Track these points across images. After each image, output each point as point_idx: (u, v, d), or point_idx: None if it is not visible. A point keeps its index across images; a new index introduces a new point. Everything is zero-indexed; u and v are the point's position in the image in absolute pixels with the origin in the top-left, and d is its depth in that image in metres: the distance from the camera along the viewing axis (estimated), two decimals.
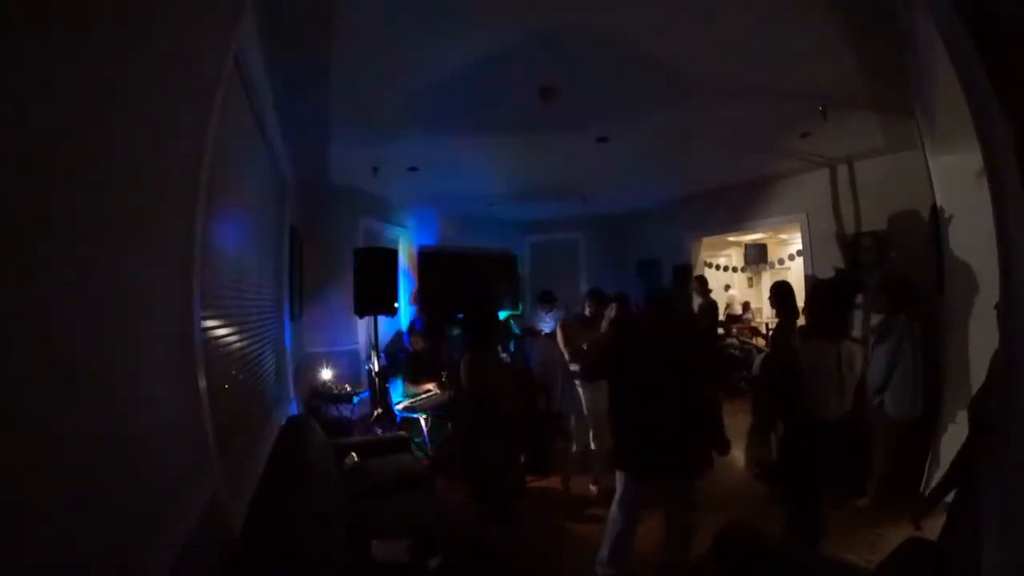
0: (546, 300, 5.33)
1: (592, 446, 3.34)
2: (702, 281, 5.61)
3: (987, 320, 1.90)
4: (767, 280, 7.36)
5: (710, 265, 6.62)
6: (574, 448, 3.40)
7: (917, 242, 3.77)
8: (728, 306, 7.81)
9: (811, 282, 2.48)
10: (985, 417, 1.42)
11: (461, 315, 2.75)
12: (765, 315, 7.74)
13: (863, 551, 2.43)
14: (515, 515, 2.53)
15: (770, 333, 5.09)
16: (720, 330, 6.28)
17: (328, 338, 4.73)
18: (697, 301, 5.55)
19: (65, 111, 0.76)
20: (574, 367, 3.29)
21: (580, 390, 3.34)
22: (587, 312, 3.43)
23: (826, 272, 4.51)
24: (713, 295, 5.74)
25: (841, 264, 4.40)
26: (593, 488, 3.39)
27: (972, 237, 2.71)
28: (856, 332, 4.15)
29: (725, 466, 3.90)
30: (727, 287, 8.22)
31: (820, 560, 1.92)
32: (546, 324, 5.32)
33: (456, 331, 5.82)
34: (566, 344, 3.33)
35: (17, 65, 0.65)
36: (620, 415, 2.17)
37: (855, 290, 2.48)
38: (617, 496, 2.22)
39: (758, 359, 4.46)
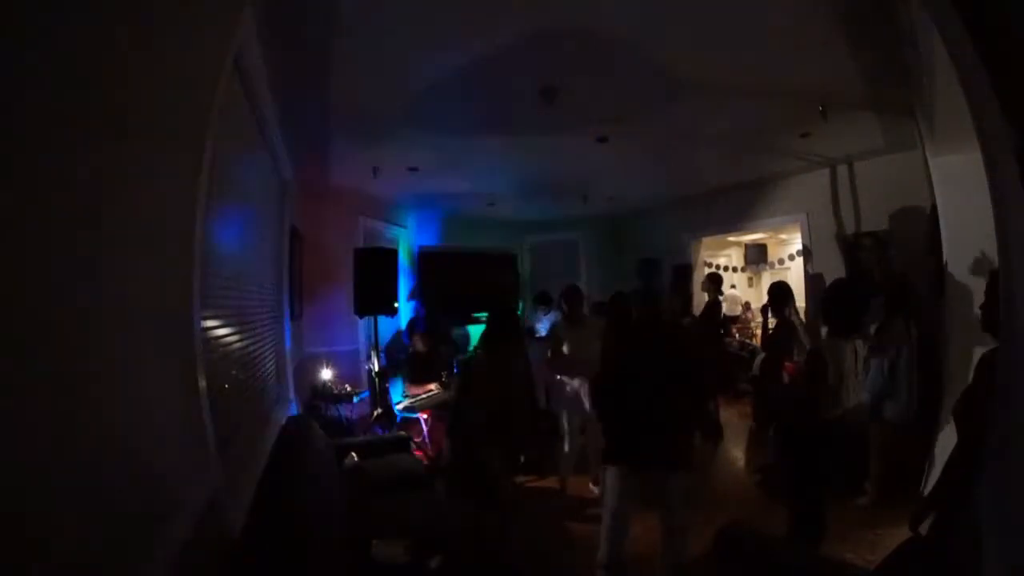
0: (543, 301, 5.32)
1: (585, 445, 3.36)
2: (714, 279, 5.26)
3: None
4: (767, 280, 7.35)
5: (710, 265, 6.61)
6: (567, 448, 3.41)
7: (917, 242, 3.77)
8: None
9: (830, 283, 2.56)
10: (972, 418, 1.42)
11: (486, 314, 2.80)
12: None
13: (863, 551, 2.43)
14: (503, 507, 2.53)
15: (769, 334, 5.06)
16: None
17: (328, 338, 4.73)
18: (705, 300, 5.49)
19: (63, 111, 0.76)
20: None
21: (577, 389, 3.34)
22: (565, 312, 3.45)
23: (824, 273, 4.52)
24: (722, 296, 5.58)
25: (840, 265, 4.41)
26: (594, 488, 3.38)
27: (972, 237, 2.70)
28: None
29: (725, 466, 3.91)
30: (732, 286, 8.15)
31: (820, 560, 1.92)
32: (543, 326, 5.32)
33: (456, 332, 5.83)
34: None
35: (16, 65, 0.65)
36: (606, 411, 2.21)
37: (871, 290, 2.54)
38: (606, 492, 2.23)
39: (758, 360, 4.46)
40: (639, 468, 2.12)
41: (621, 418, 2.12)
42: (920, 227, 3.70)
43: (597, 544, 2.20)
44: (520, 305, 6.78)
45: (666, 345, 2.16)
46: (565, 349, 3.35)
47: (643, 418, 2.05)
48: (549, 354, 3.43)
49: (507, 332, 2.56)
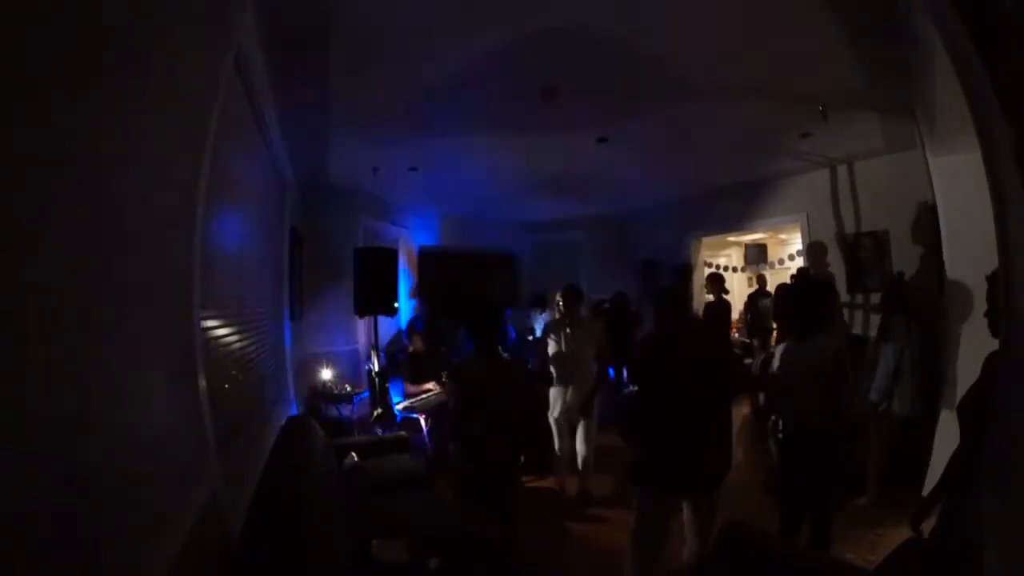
0: (537, 303, 5.34)
1: (557, 449, 3.37)
2: (717, 279, 5.35)
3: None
4: (767, 280, 7.34)
5: (710, 265, 6.61)
6: (557, 450, 3.40)
7: (917, 242, 3.78)
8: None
9: (778, 286, 2.48)
10: (976, 417, 1.42)
11: (467, 318, 2.74)
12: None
13: (863, 551, 2.43)
14: (513, 508, 2.52)
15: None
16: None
17: (328, 338, 4.73)
18: (708, 300, 5.48)
19: (63, 111, 0.76)
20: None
21: (549, 391, 3.34)
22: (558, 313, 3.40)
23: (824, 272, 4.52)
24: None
25: (840, 264, 4.40)
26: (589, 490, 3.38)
27: (972, 237, 2.70)
28: (859, 333, 4.15)
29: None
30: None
31: (820, 560, 1.92)
32: (539, 327, 5.34)
33: (456, 332, 5.82)
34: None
35: (17, 65, 0.65)
36: (644, 428, 2.06)
37: (818, 290, 2.37)
38: (640, 517, 2.10)
39: (758, 360, 4.46)
40: (685, 489, 2.04)
41: (664, 439, 1.99)
42: (920, 227, 3.71)
43: (597, 544, 2.19)
44: (505, 304, 6.74)
45: (709, 355, 2.04)
46: (551, 349, 3.32)
47: (690, 435, 1.94)
48: (539, 353, 3.40)
49: (490, 331, 2.52)
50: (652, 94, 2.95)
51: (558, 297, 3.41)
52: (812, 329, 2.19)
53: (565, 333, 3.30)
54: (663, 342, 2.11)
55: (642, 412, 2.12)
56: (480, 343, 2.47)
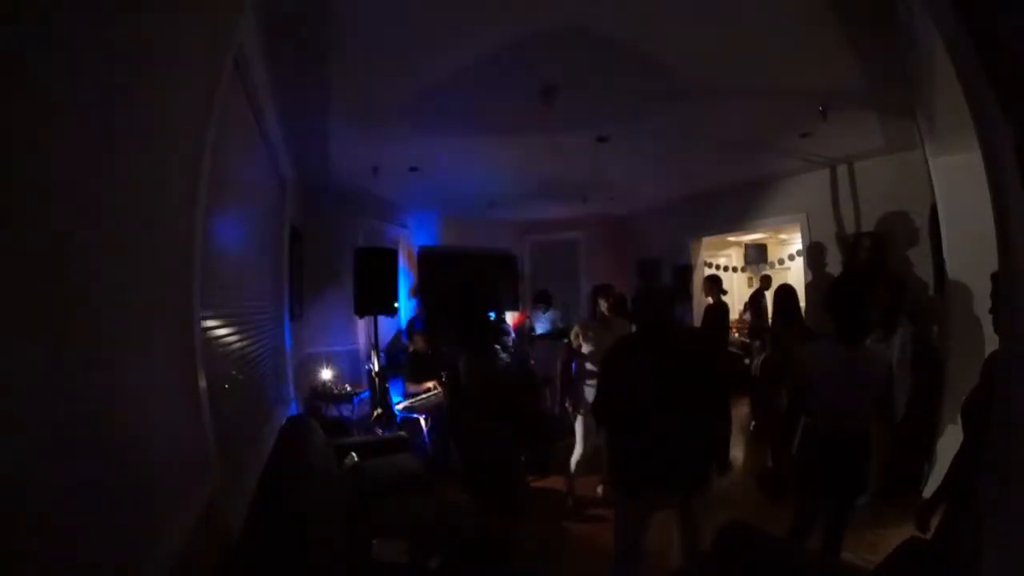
0: (542, 301, 5.32)
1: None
2: (714, 281, 5.27)
3: (987, 320, 1.90)
4: (771, 281, 7.35)
5: (710, 265, 6.61)
6: (579, 451, 3.28)
7: (917, 242, 3.78)
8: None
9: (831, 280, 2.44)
10: (979, 418, 1.42)
11: (453, 316, 2.68)
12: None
13: (863, 551, 2.43)
14: (516, 509, 2.51)
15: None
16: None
17: (328, 338, 4.73)
18: (707, 302, 5.46)
19: (64, 111, 0.76)
20: (590, 366, 3.19)
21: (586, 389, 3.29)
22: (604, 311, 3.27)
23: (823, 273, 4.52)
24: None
25: (839, 264, 4.40)
26: (599, 490, 3.38)
27: (972, 237, 2.71)
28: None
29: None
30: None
31: (820, 560, 1.92)
32: (541, 325, 5.32)
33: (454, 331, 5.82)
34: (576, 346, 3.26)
35: (17, 64, 0.65)
36: (622, 435, 2.03)
37: (863, 288, 2.30)
38: (621, 528, 2.04)
39: (758, 360, 4.46)
40: (667, 496, 1.99)
41: (644, 445, 1.94)
42: (920, 227, 3.71)
43: (598, 544, 2.18)
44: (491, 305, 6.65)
45: (691, 359, 1.98)
46: (586, 349, 3.18)
47: (671, 442, 1.89)
48: (575, 348, 3.25)
49: (479, 333, 2.49)
50: (652, 94, 2.94)
51: (602, 300, 3.26)
52: (863, 332, 2.10)
53: (604, 333, 3.17)
54: (638, 341, 2.07)
55: (604, 409, 2.07)
56: (467, 344, 2.46)
